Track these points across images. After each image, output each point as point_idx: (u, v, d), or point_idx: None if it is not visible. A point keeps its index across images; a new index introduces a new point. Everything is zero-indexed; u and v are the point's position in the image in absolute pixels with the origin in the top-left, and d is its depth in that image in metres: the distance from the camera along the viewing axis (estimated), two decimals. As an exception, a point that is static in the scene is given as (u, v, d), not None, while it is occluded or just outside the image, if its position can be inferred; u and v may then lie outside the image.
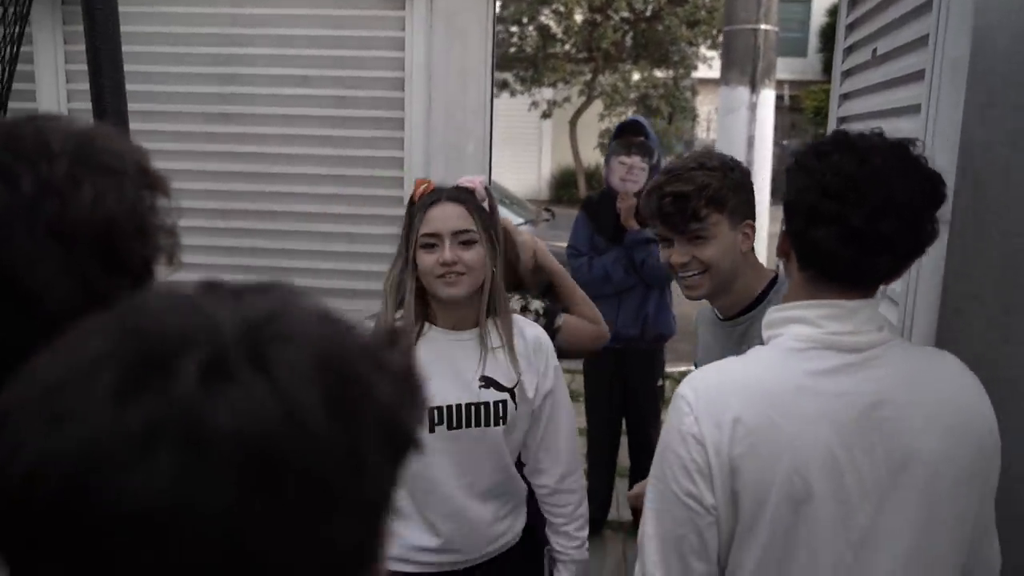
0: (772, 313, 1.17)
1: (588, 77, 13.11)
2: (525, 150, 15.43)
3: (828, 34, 13.41)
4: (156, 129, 2.52)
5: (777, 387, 1.09)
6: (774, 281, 1.72)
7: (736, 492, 1.08)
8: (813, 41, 16.27)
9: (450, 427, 1.67)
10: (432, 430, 1.66)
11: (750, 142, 5.27)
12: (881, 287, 1.21)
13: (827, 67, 11.79)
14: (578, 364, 3.54)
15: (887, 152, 1.10)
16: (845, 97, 2.31)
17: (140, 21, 2.48)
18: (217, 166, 2.55)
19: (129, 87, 2.50)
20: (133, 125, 2.50)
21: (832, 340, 1.11)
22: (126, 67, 2.50)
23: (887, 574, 1.08)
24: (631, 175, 3.04)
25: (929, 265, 1.63)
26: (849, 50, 2.28)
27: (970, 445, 1.12)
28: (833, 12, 11.30)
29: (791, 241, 1.16)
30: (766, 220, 5.48)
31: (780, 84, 16.16)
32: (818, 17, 15.77)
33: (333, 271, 2.56)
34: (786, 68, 16.75)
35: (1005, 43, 1.58)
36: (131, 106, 2.50)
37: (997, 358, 1.60)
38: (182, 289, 0.46)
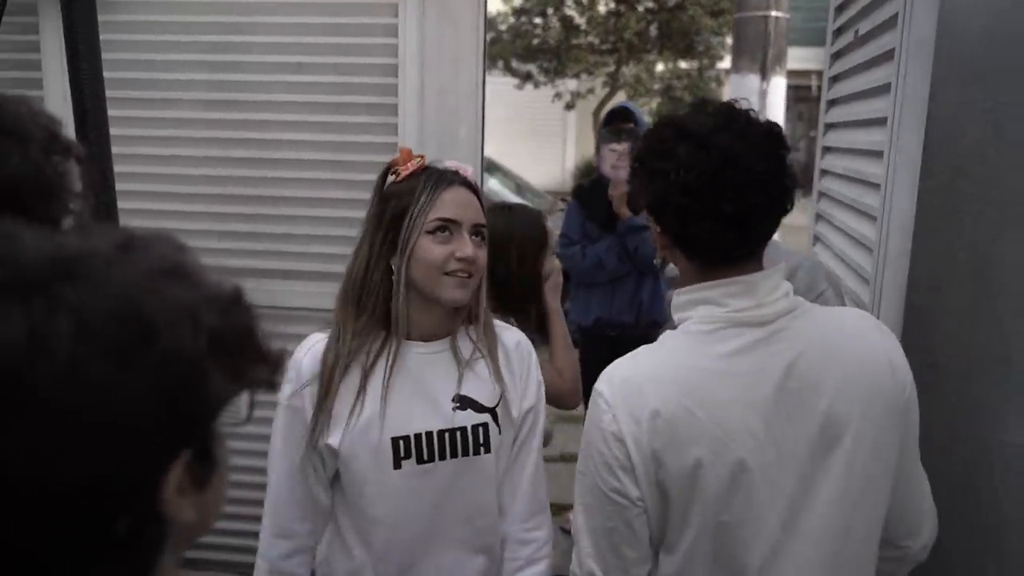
0: (678, 296, 1.19)
1: (612, 68, 13.05)
2: (549, 141, 15.40)
3: (856, 23, 13.14)
4: (157, 116, 2.59)
5: (690, 375, 1.11)
6: None
7: (662, 482, 1.10)
8: (842, 30, 15.99)
9: (420, 460, 1.37)
10: (398, 466, 1.36)
11: (759, 130, 5.18)
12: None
13: (853, 56, 11.56)
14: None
15: (724, 127, 1.10)
16: (835, 79, 2.31)
17: (139, 10, 2.55)
18: (218, 152, 2.60)
19: (130, 75, 2.57)
20: (134, 112, 2.58)
21: (738, 318, 1.12)
22: (126, 55, 2.57)
23: (814, 543, 1.10)
24: (622, 162, 3.05)
25: (896, 247, 1.63)
26: (838, 32, 2.27)
27: (887, 401, 1.13)
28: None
29: (670, 239, 1.17)
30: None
31: (807, 74, 15.97)
32: (847, 6, 15.49)
33: (334, 256, 2.60)
34: (815, 58, 16.51)
35: (975, 23, 1.58)
36: (132, 93, 2.58)
37: (969, 337, 1.60)
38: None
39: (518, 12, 12.83)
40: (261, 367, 0.54)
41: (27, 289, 0.45)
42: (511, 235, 1.98)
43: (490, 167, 7.14)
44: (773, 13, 5.15)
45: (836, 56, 2.29)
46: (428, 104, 2.47)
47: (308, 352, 1.41)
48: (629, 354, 1.19)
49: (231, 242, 2.60)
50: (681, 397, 1.09)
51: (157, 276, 0.50)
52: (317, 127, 2.54)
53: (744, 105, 1.15)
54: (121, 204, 2.62)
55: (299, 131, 2.54)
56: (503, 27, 12.94)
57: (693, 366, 1.11)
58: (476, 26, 2.44)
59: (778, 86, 5.32)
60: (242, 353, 0.53)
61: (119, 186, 2.60)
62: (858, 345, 1.15)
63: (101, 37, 2.53)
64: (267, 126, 2.56)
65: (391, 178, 1.43)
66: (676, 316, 1.19)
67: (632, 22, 12.40)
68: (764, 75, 5.23)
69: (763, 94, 5.24)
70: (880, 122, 1.73)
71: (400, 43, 2.45)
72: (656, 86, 13.16)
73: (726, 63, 13.18)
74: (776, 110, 5.38)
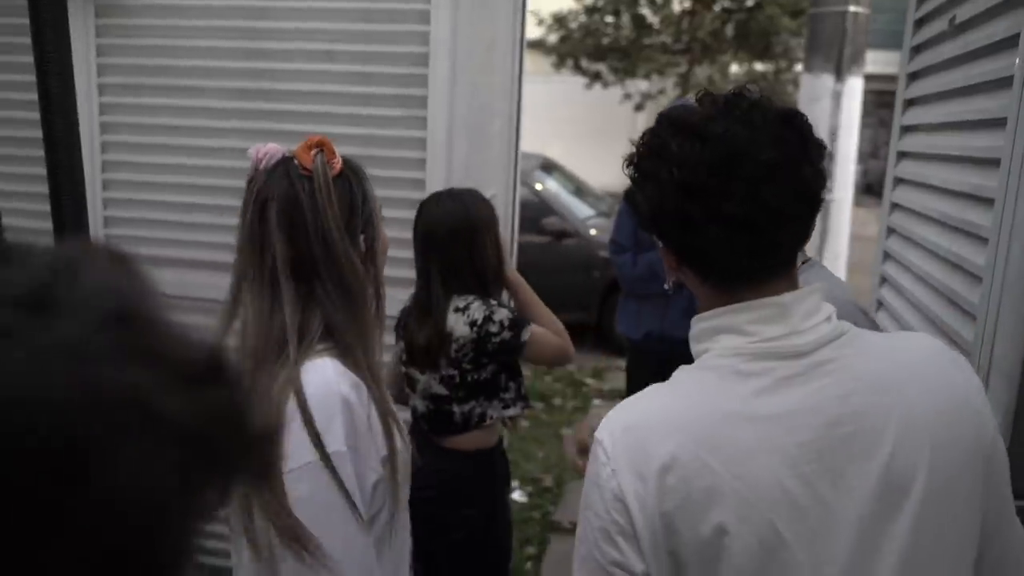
0: (696, 323, 0.98)
1: (684, 69, 12.70)
2: (616, 143, 15.08)
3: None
4: (178, 105, 2.47)
5: (707, 420, 0.90)
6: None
7: (675, 554, 0.88)
8: (931, 33, 15.29)
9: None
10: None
11: (833, 133, 4.84)
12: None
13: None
14: (622, 362, 3.34)
15: (724, 113, 0.92)
16: (914, 76, 2.03)
17: (168, -7, 2.44)
18: (241, 143, 2.47)
19: (160, 62, 2.46)
20: (165, 100, 2.47)
21: (768, 348, 0.91)
22: (153, 41, 2.46)
23: None
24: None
25: (1017, 274, 1.35)
26: (920, 22, 2.00)
27: (965, 449, 0.91)
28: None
29: (676, 256, 0.98)
30: (847, 219, 5.07)
31: (892, 79, 15.29)
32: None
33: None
34: (898, 62, 15.81)
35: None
36: (162, 81, 2.48)
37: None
38: None
39: (590, 10, 12.59)
40: (252, 455, 0.35)
41: None
42: (477, 219, 2.00)
43: (549, 167, 6.94)
44: (851, 8, 4.79)
45: (917, 50, 2.02)
46: (459, 97, 2.29)
47: (342, 379, 1.14)
48: (635, 396, 0.99)
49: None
50: (696, 448, 0.88)
51: (93, 350, 0.29)
52: (343, 119, 2.39)
53: (754, 94, 0.95)
54: (138, 195, 2.54)
55: (324, 123, 2.39)
56: (574, 25, 12.72)
57: (712, 409, 0.91)
58: (514, 12, 2.25)
59: (854, 87, 4.95)
60: (230, 449, 0.33)
61: (135, 176, 2.53)
62: (926, 379, 0.93)
63: (130, 21, 2.46)
64: (292, 117, 2.41)
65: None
66: (694, 348, 0.99)
67: (707, 21, 12.04)
68: (839, 75, 4.86)
69: (837, 95, 4.88)
70: (992, 124, 1.46)
71: (432, 30, 2.28)
72: (730, 88, 12.73)
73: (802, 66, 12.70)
74: (852, 114, 5.02)
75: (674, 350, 3.02)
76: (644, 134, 0.99)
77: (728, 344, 0.94)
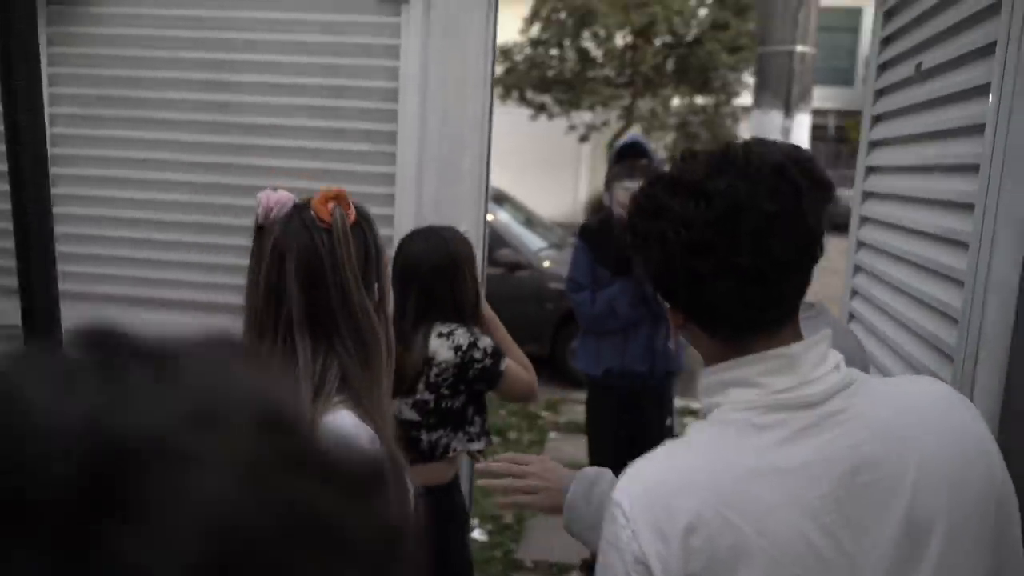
0: (706, 377, 0.98)
1: (627, 101, 12.95)
2: (562, 173, 15.28)
3: (876, 63, 13.05)
4: (140, 137, 2.39)
5: (727, 476, 0.89)
6: None
7: None
8: (861, 70, 15.96)
9: None
10: None
11: (783, 169, 4.98)
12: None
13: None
14: (578, 395, 3.33)
15: (720, 170, 0.92)
16: (878, 119, 2.08)
17: (126, 23, 2.36)
18: (206, 177, 2.40)
19: (117, 92, 2.38)
20: (122, 132, 2.39)
21: (780, 400, 0.91)
22: (112, 71, 2.38)
23: None
24: (639, 200, 2.83)
25: (994, 319, 1.36)
26: (884, 67, 2.05)
27: (978, 492, 0.92)
28: (881, 40, 10.97)
29: (683, 314, 0.98)
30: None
31: (825, 114, 15.84)
32: (866, 46, 15.42)
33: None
34: (833, 97, 16.45)
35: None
36: (119, 112, 2.39)
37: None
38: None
39: (535, 43, 12.76)
40: (411, 566, 0.33)
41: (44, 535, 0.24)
42: (458, 255, 2.04)
43: (500, 198, 6.95)
44: (799, 48, 4.95)
45: (881, 93, 2.07)
46: (429, 132, 2.26)
47: (360, 432, 1.13)
48: (651, 454, 0.97)
49: (217, 276, 2.38)
50: (718, 506, 0.87)
51: (266, 465, 0.27)
52: (310, 154, 2.34)
53: (741, 141, 0.96)
54: (98, 231, 2.44)
55: (292, 158, 2.34)
56: (519, 57, 12.87)
57: (729, 465, 0.90)
58: (484, 48, 2.24)
59: (802, 124, 5.10)
60: (394, 562, 0.32)
61: (99, 211, 2.43)
62: (936, 423, 0.94)
63: (85, 50, 2.38)
64: (258, 151, 2.35)
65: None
66: (704, 402, 0.99)
67: (649, 56, 12.33)
68: (788, 112, 5.01)
69: (786, 131, 5.03)
70: (964, 169, 1.50)
71: (402, 66, 2.25)
72: (671, 121, 13.03)
73: (743, 99, 13.07)
74: (800, 149, 5.18)
75: (634, 385, 3.07)
76: (637, 196, 0.99)
77: (739, 397, 0.93)
